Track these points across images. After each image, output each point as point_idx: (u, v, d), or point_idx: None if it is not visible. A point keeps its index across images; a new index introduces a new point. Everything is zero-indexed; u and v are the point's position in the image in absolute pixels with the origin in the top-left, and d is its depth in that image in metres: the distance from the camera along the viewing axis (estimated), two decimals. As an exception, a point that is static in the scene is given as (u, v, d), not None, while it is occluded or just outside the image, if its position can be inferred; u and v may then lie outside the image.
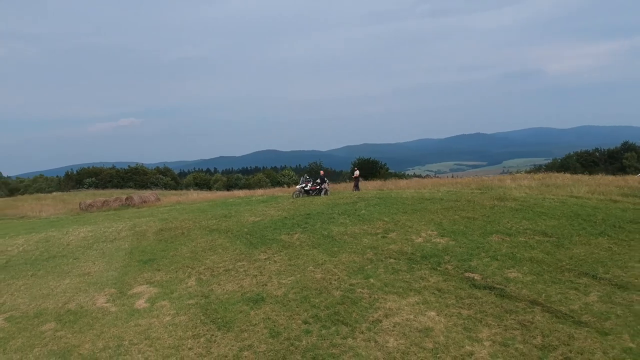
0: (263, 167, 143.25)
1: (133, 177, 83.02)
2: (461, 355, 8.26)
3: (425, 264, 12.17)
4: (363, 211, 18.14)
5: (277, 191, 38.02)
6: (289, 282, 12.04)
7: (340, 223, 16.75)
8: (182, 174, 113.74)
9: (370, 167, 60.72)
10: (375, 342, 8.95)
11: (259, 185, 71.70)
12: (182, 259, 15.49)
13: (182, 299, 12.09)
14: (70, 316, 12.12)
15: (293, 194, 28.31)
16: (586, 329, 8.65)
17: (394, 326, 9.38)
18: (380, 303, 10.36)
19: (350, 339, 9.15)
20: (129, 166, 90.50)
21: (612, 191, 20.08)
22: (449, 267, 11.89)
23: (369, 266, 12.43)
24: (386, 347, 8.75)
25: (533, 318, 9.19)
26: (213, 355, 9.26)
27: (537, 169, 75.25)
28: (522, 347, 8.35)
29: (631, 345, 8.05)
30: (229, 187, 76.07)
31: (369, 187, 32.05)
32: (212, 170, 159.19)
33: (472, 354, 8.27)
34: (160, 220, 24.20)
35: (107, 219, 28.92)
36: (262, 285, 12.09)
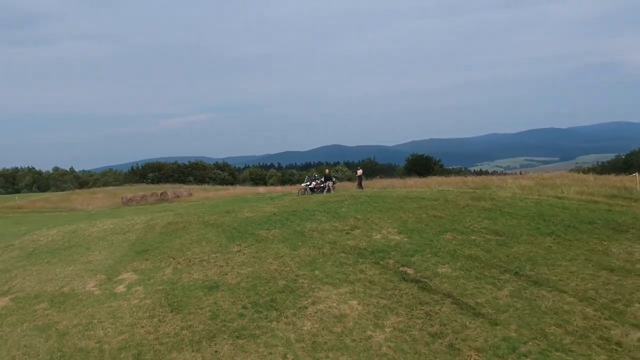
0: (326, 162, 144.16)
1: (193, 172, 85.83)
2: (360, 339, 9.30)
3: (371, 259, 13.13)
4: (343, 209, 19.15)
5: (293, 189, 39.38)
6: (246, 272, 13.34)
7: (317, 220, 17.85)
8: (246, 169, 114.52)
9: (424, 164, 60.11)
10: (294, 325, 10.10)
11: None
12: (170, 250, 17.10)
13: (154, 285, 13.65)
14: (61, 298, 13.97)
15: (299, 191, 29.62)
16: (481, 319, 9.44)
17: (315, 312, 10.49)
18: (314, 292, 11.47)
19: (274, 322, 10.35)
20: (189, 162, 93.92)
21: (600, 192, 20.07)
22: (390, 261, 12.80)
23: (321, 259, 13.52)
24: (301, 330, 9.89)
25: (440, 309, 10.04)
26: (159, 332, 10.71)
27: (600, 166, 72.43)
28: (417, 333, 9.27)
29: (513, 334, 8.81)
30: (283, 182, 77.20)
31: (377, 185, 32.84)
32: (276, 165, 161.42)
33: (370, 338, 9.28)
34: (174, 214, 26.05)
35: (135, 213, 31.15)
36: (223, 275, 13.46)
